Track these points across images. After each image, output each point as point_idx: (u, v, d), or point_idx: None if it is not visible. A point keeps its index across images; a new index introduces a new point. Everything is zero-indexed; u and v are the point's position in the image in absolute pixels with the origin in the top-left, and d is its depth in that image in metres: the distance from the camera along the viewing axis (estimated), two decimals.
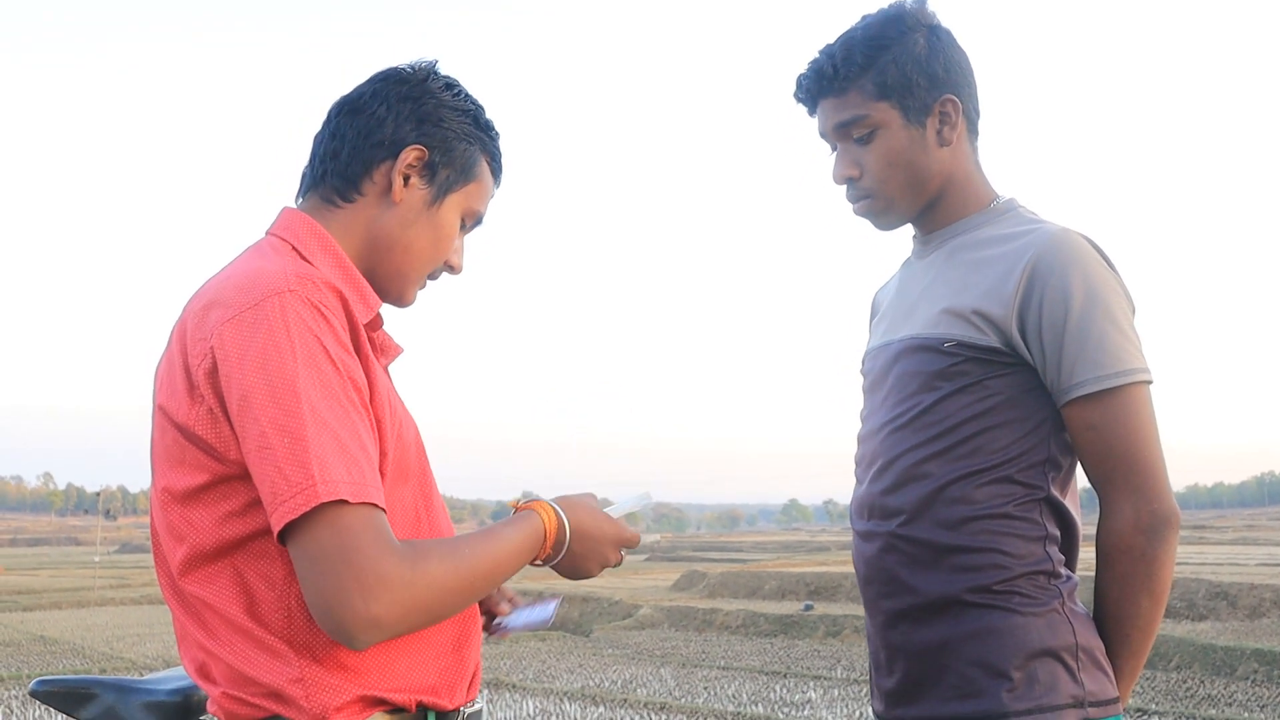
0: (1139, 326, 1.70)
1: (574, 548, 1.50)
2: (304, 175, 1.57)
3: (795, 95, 1.84)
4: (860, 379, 1.92)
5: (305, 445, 1.24)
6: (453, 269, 1.60)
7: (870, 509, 1.77)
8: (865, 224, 1.86)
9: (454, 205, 1.55)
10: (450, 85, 1.56)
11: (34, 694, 2.28)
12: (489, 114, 1.60)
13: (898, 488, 1.72)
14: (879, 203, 1.81)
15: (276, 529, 1.25)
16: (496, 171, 1.61)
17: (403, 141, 1.50)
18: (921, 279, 1.82)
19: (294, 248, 1.47)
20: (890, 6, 1.80)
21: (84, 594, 26.20)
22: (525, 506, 1.50)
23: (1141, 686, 9.67)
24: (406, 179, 1.51)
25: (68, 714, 2.28)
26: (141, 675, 2.36)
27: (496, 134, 1.59)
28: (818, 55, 1.79)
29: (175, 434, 1.35)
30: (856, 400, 1.91)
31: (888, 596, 1.73)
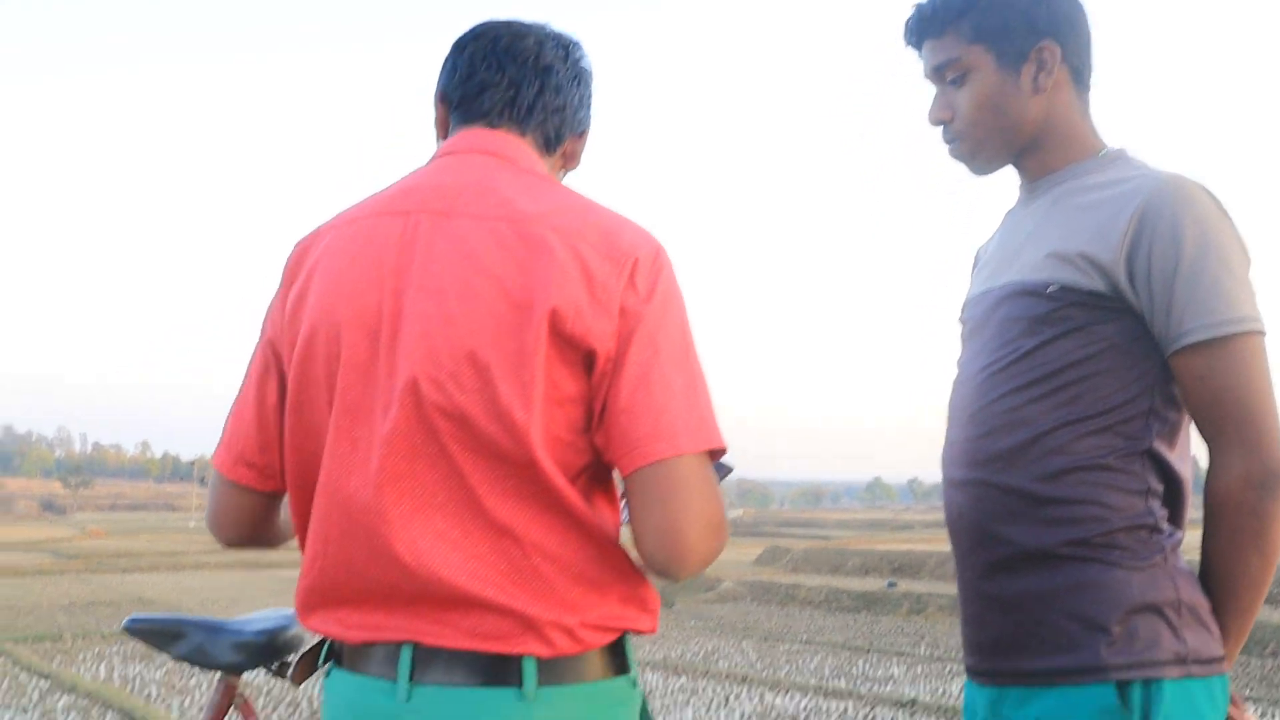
0: (1254, 279, 1.63)
1: None
2: (492, 101, 1.52)
3: (903, 38, 1.83)
4: (960, 329, 1.87)
5: (698, 392, 1.37)
6: None
7: (963, 455, 1.72)
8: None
9: (574, 149, 1.62)
10: (588, 68, 1.62)
11: (127, 630, 2.35)
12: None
13: (994, 434, 1.67)
14: (967, 145, 1.77)
15: (662, 456, 1.31)
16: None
17: (584, 123, 1.60)
18: (1025, 225, 1.77)
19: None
20: None
21: (179, 558, 26.96)
22: None
23: (1236, 673, 9.44)
24: (570, 161, 1.61)
25: (160, 650, 2.34)
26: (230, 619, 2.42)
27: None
28: None
29: (558, 343, 1.32)
30: (946, 376, 1.86)
31: (981, 547, 1.69)
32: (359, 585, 1.38)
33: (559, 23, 1.61)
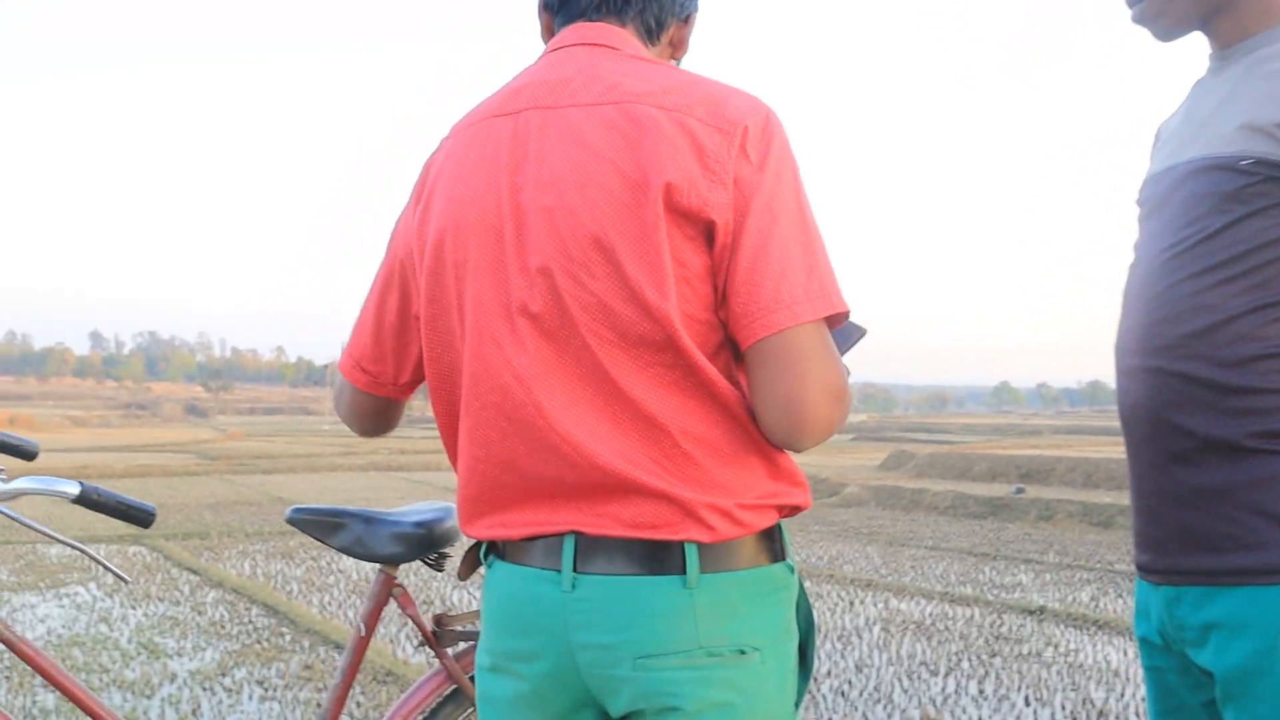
0: None
1: None
2: (570, 5, 1.53)
3: None
4: (1137, 211, 1.74)
5: (817, 258, 1.35)
6: None
7: (1140, 342, 1.61)
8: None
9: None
10: None
11: (291, 521, 2.43)
12: None
13: (1174, 318, 1.55)
14: (1152, 6, 1.64)
15: (783, 326, 1.31)
16: None
17: (688, 7, 1.57)
18: (1215, 96, 1.62)
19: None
20: None
21: (315, 460, 27.88)
22: None
23: None
24: (683, 43, 1.59)
25: (321, 540, 2.42)
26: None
27: None
28: None
29: (675, 218, 1.32)
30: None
31: (1157, 438, 1.58)
32: (522, 485, 1.41)
33: None
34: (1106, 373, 1.73)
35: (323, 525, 2.42)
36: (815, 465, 22.74)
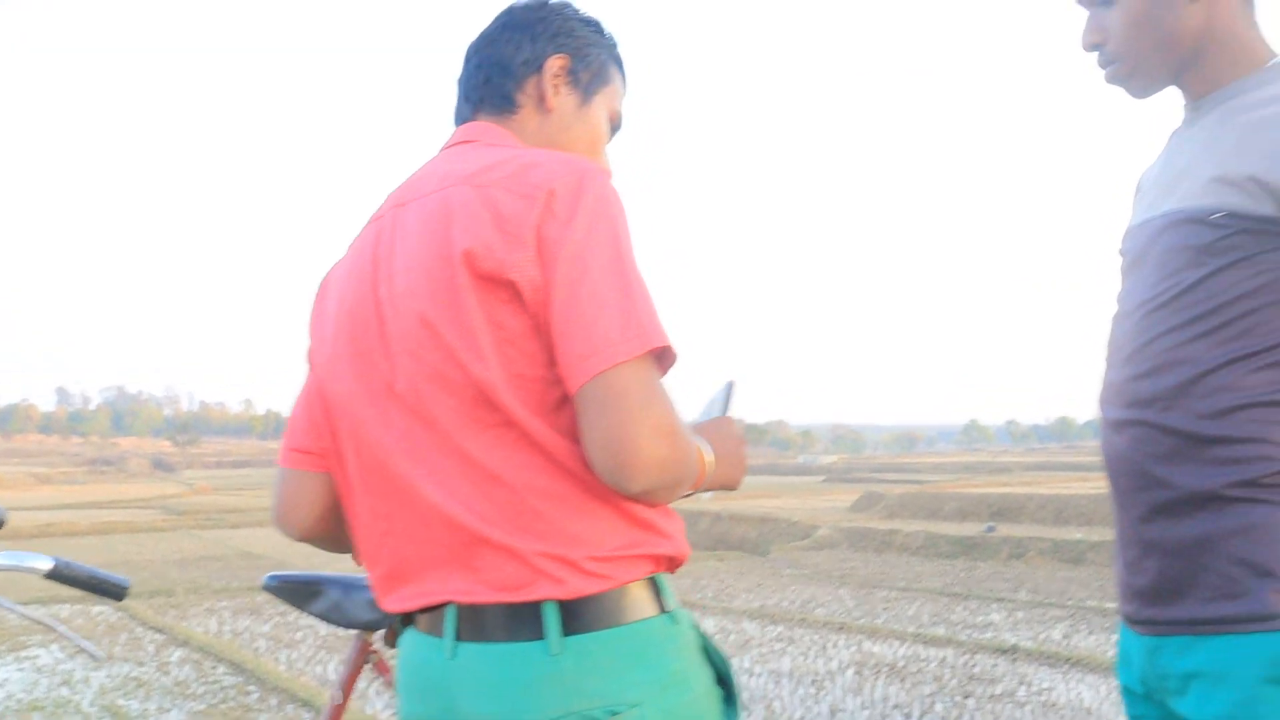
0: None
1: (720, 470, 1.51)
2: (458, 113, 1.66)
3: None
4: (1119, 261, 1.76)
5: (634, 300, 1.35)
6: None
7: (1122, 395, 1.63)
8: (1108, 102, 1.73)
9: (600, 106, 1.65)
10: (568, 4, 1.66)
11: (266, 588, 2.39)
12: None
13: (1155, 372, 1.58)
14: (1125, 66, 1.68)
15: (599, 370, 1.31)
16: (624, 76, 1.72)
17: (543, 54, 1.60)
18: (1189, 148, 1.65)
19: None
20: None
21: None
22: None
23: None
24: (555, 88, 1.60)
25: (297, 607, 2.38)
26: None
27: (616, 41, 1.70)
28: None
29: (483, 284, 1.37)
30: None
31: (1140, 490, 1.60)
32: (412, 556, 1.45)
33: None
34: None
35: (299, 592, 2.38)
36: (786, 509, 22.73)
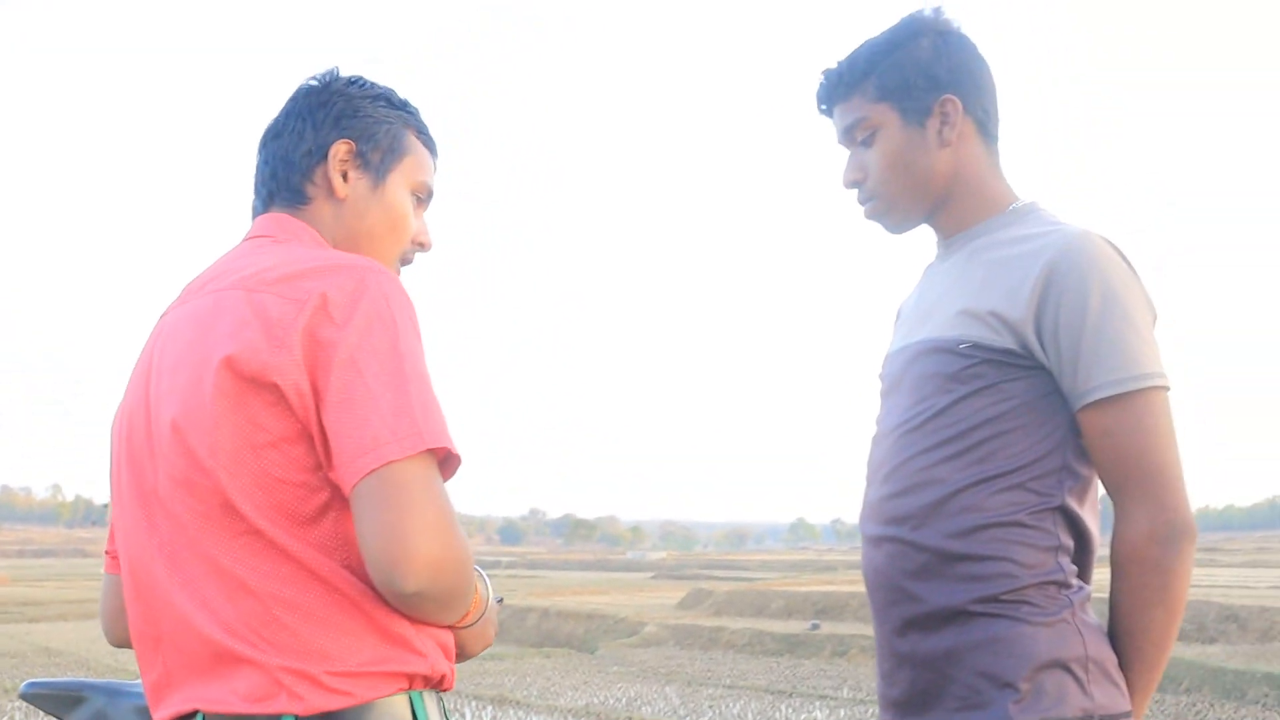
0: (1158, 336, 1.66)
1: (485, 620, 1.51)
2: (254, 208, 1.62)
3: (817, 106, 1.87)
4: (879, 385, 1.89)
5: (410, 400, 1.32)
6: (422, 247, 1.66)
7: (879, 514, 1.74)
8: (881, 238, 1.86)
9: (398, 183, 1.61)
10: (355, 80, 1.63)
11: (24, 696, 2.24)
12: (404, 96, 1.67)
13: (907, 492, 1.68)
14: (882, 204, 1.81)
15: (369, 469, 1.28)
16: (428, 143, 1.67)
17: (327, 142, 1.57)
18: (941, 282, 1.80)
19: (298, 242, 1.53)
20: (909, 14, 1.82)
21: (90, 606, 26.20)
22: None
23: (1151, 710, 9.58)
24: (345, 175, 1.57)
25: (59, 717, 2.24)
26: (135, 679, 2.32)
27: (414, 109, 1.66)
28: (832, 64, 1.83)
29: (243, 387, 1.34)
30: (868, 415, 1.88)
31: (894, 604, 1.70)
32: (173, 664, 1.41)
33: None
34: None
35: (59, 700, 2.25)
36: (614, 605, 22.63)
